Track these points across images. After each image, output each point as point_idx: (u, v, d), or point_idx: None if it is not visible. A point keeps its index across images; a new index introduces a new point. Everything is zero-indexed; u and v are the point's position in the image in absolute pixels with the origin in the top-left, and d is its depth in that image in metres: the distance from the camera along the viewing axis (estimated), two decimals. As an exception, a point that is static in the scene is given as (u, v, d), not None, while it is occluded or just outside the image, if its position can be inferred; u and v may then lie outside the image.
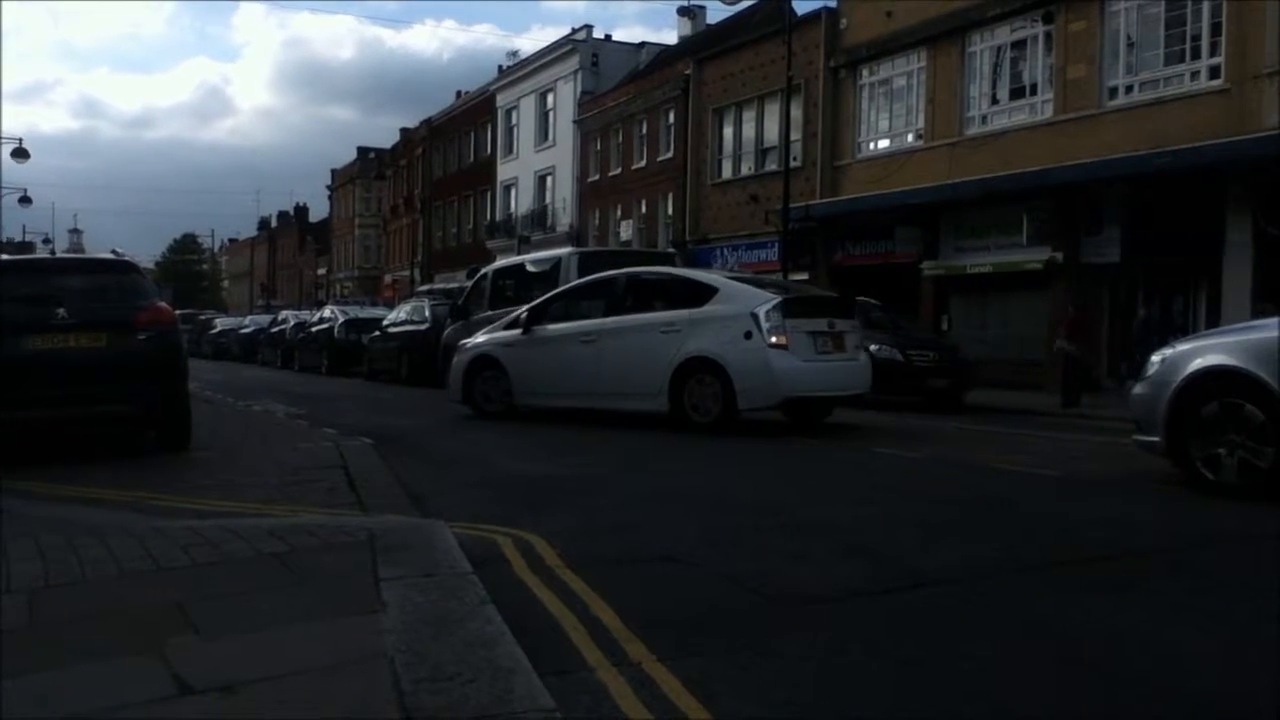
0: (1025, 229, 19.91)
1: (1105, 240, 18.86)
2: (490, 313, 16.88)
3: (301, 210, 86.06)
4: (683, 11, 40.50)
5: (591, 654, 3.45)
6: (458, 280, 30.01)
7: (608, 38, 42.48)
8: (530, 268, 17.14)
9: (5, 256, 12.54)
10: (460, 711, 2.74)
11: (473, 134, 48.62)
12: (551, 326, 11.99)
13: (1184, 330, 15.61)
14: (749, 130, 28.70)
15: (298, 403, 14.90)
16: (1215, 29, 17.20)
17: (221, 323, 42.68)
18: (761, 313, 10.21)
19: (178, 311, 11.68)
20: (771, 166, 26.57)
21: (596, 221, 36.93)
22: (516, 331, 12.26)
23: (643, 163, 34.22)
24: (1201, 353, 6.82)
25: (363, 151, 66.88)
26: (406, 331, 20.84)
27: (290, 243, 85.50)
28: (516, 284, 17.11)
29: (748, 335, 10.22)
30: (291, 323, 30.21)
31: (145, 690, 2.93)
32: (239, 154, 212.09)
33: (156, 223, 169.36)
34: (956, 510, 6.34)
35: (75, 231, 69.03)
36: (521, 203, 42.76)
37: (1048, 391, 17.22)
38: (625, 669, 3.30)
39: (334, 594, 3.89)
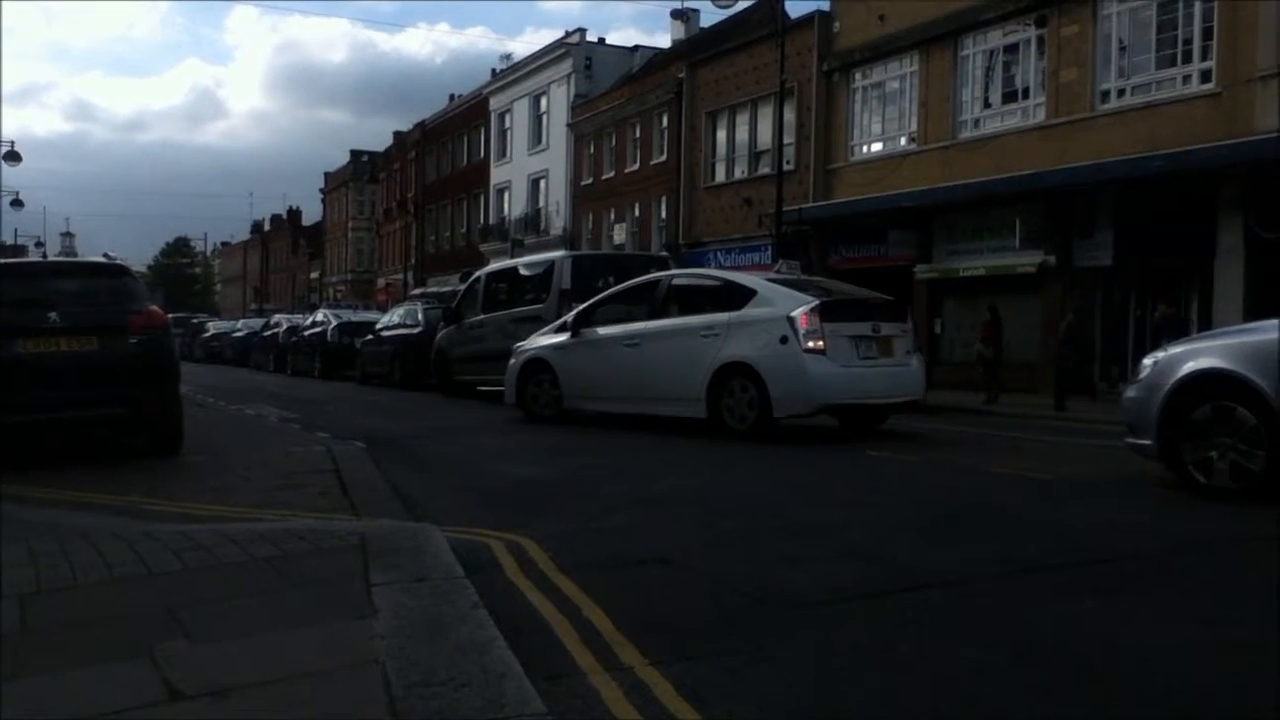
0: (1018, 232, 19.95)
1: (1098, 243, 18.90)
2: (483, 317, 16.89)
3: (294, 213, 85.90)
4: (676, 15, 40.53)
5: (584, 658, 3.44)
6: (451, 284, 30.00)
7: (601, 41, 42.53)
8: (524, 271, 17.13)
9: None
10: (452, 716, 2.73)
11: (466, 137, 48.62)
12: (600, 330, 11.87)
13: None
14: (742, 133, 28.73)
15: (290, 406, 14.88)
16: (1207, 33, 17.25)
17: (214, 326, 42.61)
18: (798, 316, 9.92)
19: (170, 315, 11.67)
20: (765, 170, 26.58)
21: (590, 225, 36.92)
22: (566, 335, 12.17)
23: (636, 166, 34.24)
24: (1193, 356, 6.83)
25: (356, 154, 66.85)
26: (399, 335, 20.81)
27: (283, 246, 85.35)
28: (510, 287, 17.11)
29: (783, 340, 9.92)
30: (284, 326, 30.17)
31: (136, 695, 2.93)
32: (232, 157, 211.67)
33: (149, 226, 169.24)
34: (950, 513, 6.34)
35: (67, 235, 68.72)
36: (515, 206, 42.75)
37: (1041, 394, 17.26)
38: (617, 673, 3.30)
39: (326, 599, 3.88)
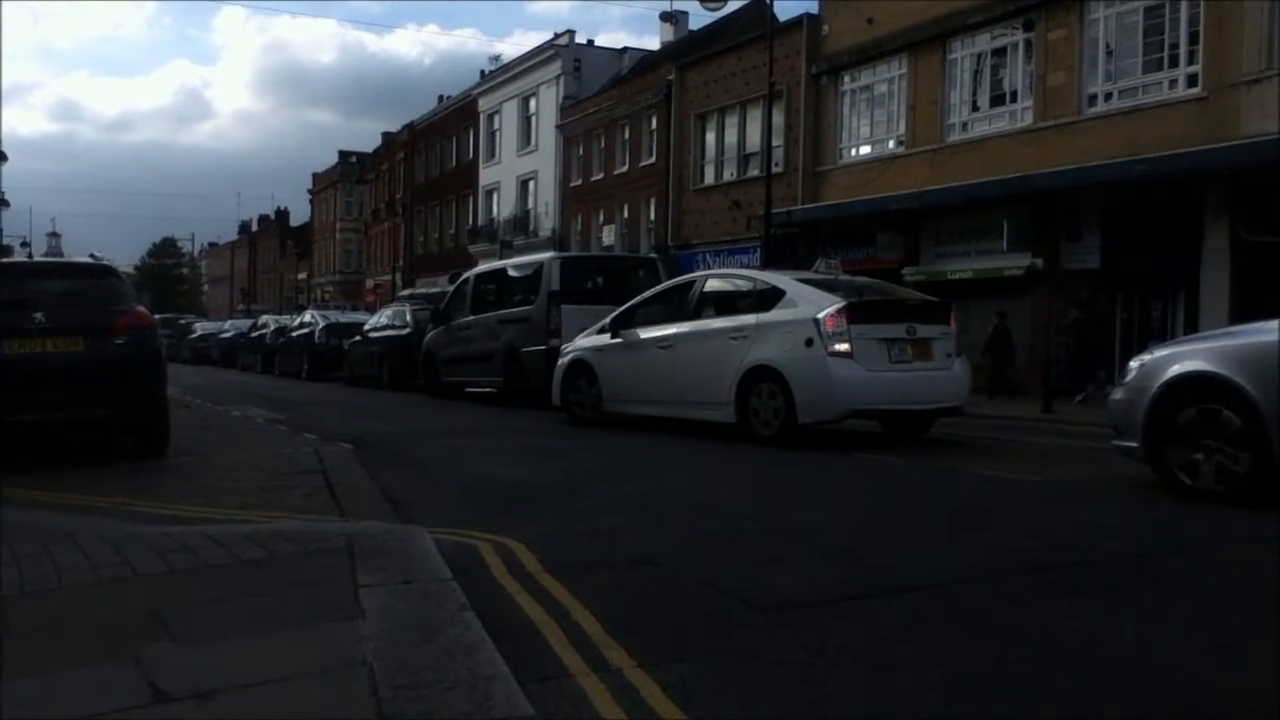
0: (1006, 235, 20.02)
1: (1085, 246, 18.98)
2: (471, 318, 16.87)
3: (282, 214, 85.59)
4: (665, 17, 40.56)
5: (572, 660, 3.44)
6: (440, 285, 30.00)
7: (590, 43, 42.47)
8: (512, 273, 17.12)
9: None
10: (439, 718, 2.73)
11: (455, 139, 48.53)
12: (640, 332, 11.62)
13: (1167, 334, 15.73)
14: (731, 136, 28.75)
15: (277, 408, 14.84)
16: (1193, 37, 17.33)
17: (201, 327, 42.49)
18: (824, 317, 9.55)
19: (157, 316, 11.62)
20: (754, 172, 26.62)
21: (579, 227, 36.91)
22: (606, 336, 11.98)
23: (625, 168, 34.24)
24: (1179, 359, 6.85)
25: (344, 155, 66.59)
26: (388, 336, 20.79)
27: (271, 247, 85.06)
28: (498, 289, 17.10)
29: (809, 343, 9.56)
30: (272, 327, 30.09)
31: (121, 697, 2.91)
32: (219, 157, 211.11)
33: (136, 226, 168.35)
34: (937, 515, 6.36)
35: (53, 235, 68.28)
36: (504, 208, 42.70)
37: (1029, 397, 17.31)
38: (605, 675, 3.29)
39: (312, 600, 3.87)
